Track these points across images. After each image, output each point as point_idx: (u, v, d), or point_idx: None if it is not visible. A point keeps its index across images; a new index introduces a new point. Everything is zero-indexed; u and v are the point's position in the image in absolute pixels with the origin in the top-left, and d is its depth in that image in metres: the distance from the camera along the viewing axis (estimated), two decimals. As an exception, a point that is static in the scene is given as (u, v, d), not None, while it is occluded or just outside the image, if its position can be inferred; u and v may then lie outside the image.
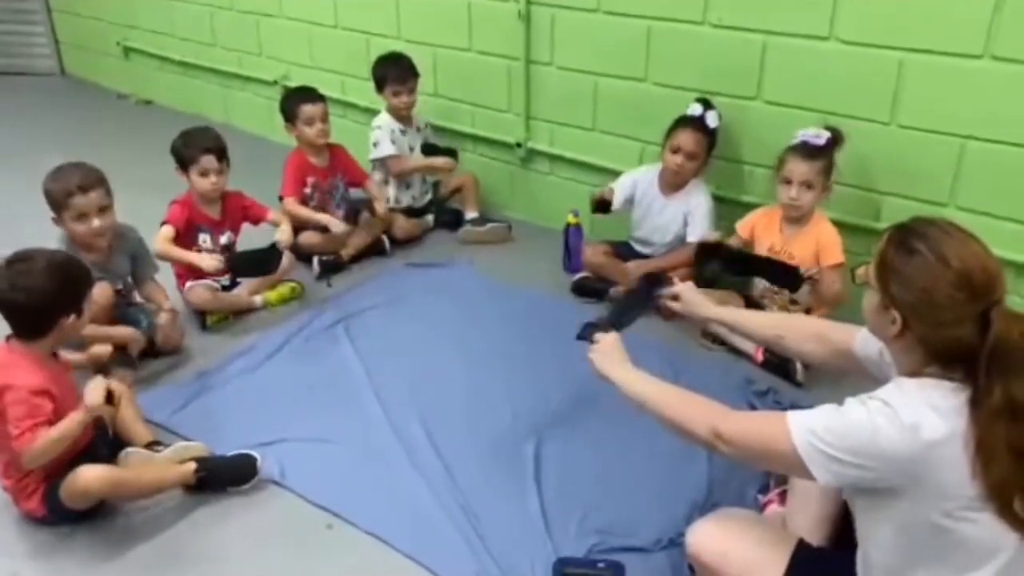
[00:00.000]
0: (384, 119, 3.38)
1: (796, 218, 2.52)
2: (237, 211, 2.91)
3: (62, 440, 1.81)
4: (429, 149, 3.43)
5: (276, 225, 2.93)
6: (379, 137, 3.36)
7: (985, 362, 1.23)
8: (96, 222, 2.36)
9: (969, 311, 1.26)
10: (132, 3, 5.05)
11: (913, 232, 1.34)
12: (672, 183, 2.86)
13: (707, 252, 2.56)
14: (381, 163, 3.40)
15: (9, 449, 1.84)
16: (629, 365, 1.73)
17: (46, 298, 1.85)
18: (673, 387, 1.63)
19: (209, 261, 2.68)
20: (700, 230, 2.79)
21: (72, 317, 1.90)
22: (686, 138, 2.76)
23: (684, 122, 2.79)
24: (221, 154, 2.78)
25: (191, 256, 2.71)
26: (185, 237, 2.78)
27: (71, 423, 1.81)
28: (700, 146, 2.77)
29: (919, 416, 1.24)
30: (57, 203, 2.34)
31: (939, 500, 1.25)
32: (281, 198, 3.20)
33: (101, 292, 2.30)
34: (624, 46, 3.00)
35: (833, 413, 1.33)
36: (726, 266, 2.53)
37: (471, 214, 3.50)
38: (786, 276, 2.43)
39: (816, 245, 2.51)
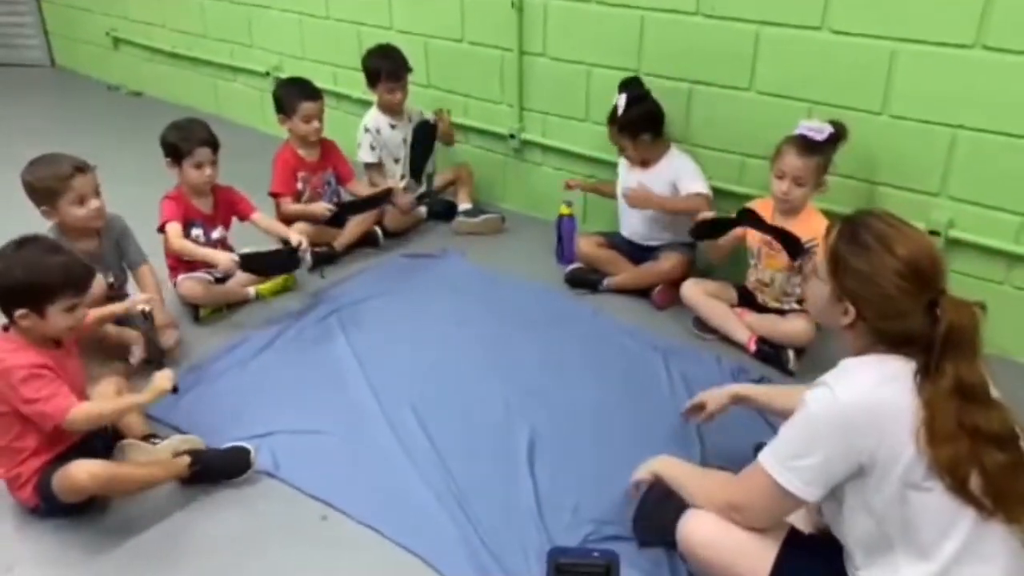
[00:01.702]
0: (373, 116, 3.37)
1: (786, 210, 2.52)
2: (227, 206, 2.90)
3: (111, 416, 1.88)
4: (420, 133, 3.43)
5: (270, 232, 2.92)
6: (360, 140, 3.36)
7: (939, 347, 1.31)
8: (95, 202, 2.38)
9: (919, 300, 1.35)
10: (122, -7, 5.02)
11: (861, 225, 1.42)
12: (644, 166, 2.88)
13: (705, 229, 2.58)
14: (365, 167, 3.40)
15: (9, 435, 1.85)
16: (663, 459, 1.81)
17: (2, 288, 1.84)
18: (696, 471, 1.78)
19: (225, 259, 2.67)
20: (695, 184, 2.77)
21: (25, 312, 1.83)
22: (613, 138, 2.83)
23: (612, 117, 2.81)
24: (215, 146, 2.77)
25: (208, 252, 2.70)
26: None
27: (127, 403, 1.92)
28: (626, 137, 2.79)
29: (858, 387, 1.35)
30: (52, 191, 2.32)
31: (896, 469, 1.31)
32: (272, 195, 3.18)
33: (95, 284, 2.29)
34: (617, 36, 2.99)
35: (787, 430, 1.43)
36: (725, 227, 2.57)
37: (464, 205, 3.50)
38: (788, 243, 2.41)
39: (809, 235, 2.50)
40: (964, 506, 1.30)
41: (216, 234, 2.85)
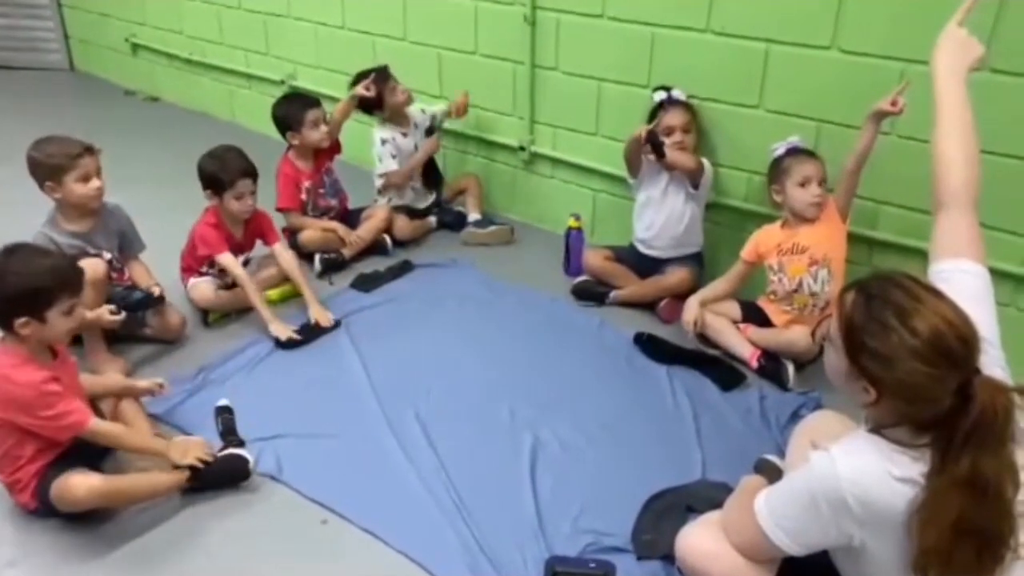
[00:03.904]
0: (382, 131, 3.40)
1: (815, 214, 2.50)
2: (256, 231, 2.92)
3: (126, 447, 1.96)
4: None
5: (282, 265, 2.92)
6: (379, 153, 3.40)
7: (964, 433, 1.20)
8: (97, 182, 2.46)
9: (948, 385, 1.22)
10: (141, 0, 5.08)
11: (880, 300, 1.29)
12: (685, 147, 2.86)
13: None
14: (387, 177, 3.43)
15: (9, 441, 1.87)
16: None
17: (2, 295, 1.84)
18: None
19: (284, 332, 2.69)
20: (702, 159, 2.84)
21: (26, 320, 1.82)
22: (674, 116, 2.81)
23: (660, 107, 2.84)
24: (255, 176, 2.78)
25: (266, 315, 2.72)
26: (202, 259, 2.82)
27: (148, 446, 2.01)
28: (688, 117, 2.82)
29: (862, 479, 1.27)
30: (60, 167, 2.40)
31: (885, 557, 1.29)
32: (279, 210, 3.22)
33: (94, 266, 2.35)
34: (628, 52, 3.02)
35: (786, 484, 1.42)
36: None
37: (474, 216, 3.52)
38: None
39: (827, 224, 2.50)
40: None
41: (242, 259, 2.87)
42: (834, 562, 1.47)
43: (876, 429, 1.34)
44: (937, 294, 1.28)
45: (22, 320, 1.82)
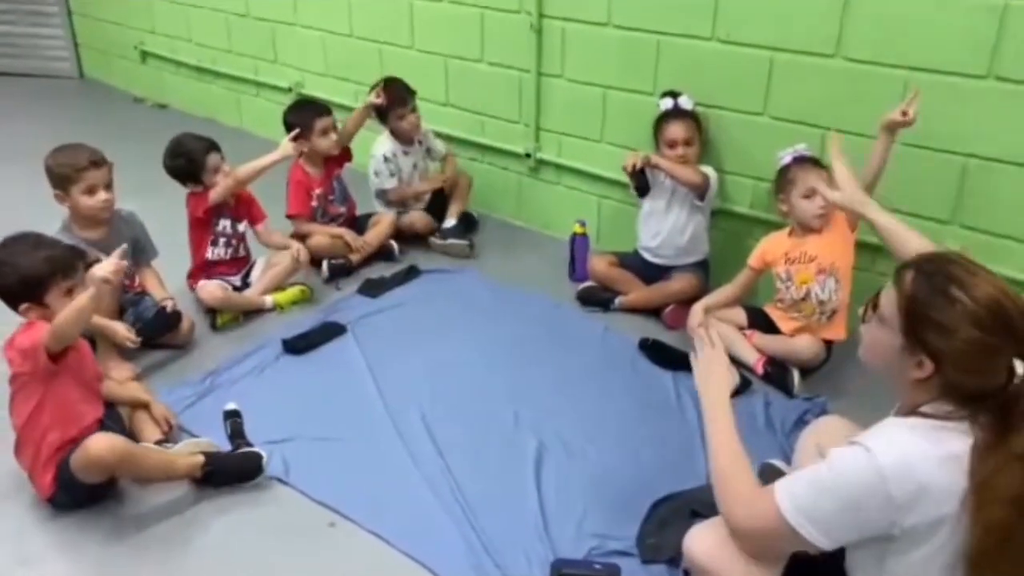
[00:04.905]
0: (385, 145, 3.39)
1: (822, 224, 2.51)
2: (244, 205, 2.99)
3: (81, 310, 1.87)
4: None
5: (270, 244, 3.06)
6: (379, 169, 3.39)
7: (1020, 404, 1.22)
8: (104, 195, 2.48)
9: (1005, 356, 1.25)
10: (150, 8, 5.12)
11: (940, 273, 1.31)
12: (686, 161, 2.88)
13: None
14: (383, 191, 3.44)
15: (24, 426, 1.93)
16: (726, 395, 1.63)
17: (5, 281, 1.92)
18: (734, 447, 1.54)
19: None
20: (707, 168, 2.86)
21: (27, 305, 1.93)
22: (676, 128, 2.81)
23: (665, 117, 2.85)
24: (218, 148, 2.87)
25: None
26: (206, 224, 2.88)
27: (82, 296, 1.91)
28: (691, 130, 2.82)
29: (903, 462, 1.25)
30: (67, 177, 2.44)
31: (930, 542, 1.27)
32: (289, 217, 3.25)
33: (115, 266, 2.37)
34: (633, 60, 3.04)
35: (814, 479, 1.34)
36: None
37: (450, 221, 3.47)
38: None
39: (835, 233, 2.51)
40: None
41: (242, 227, 2.97)
42: (849, 566, 1.45)
43: (911, 410, 1.34)
44: (986, 270, 1.31)
45: (24, 306, 1.94)
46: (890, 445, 1.28)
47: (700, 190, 2.83)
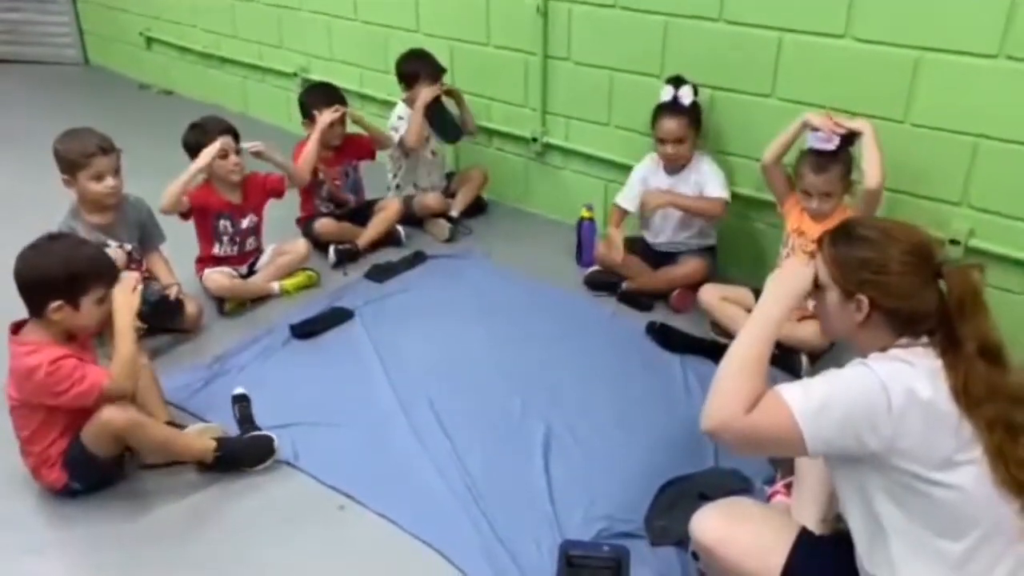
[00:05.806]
0: (405, 110, 3.40)
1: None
2: (258, 191, 2.96)
3: (129, 352, 1.91)
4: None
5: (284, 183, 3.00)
6: (399, 126, 3.39)
7: (954, 312, 1.34)
8: (111, 181, 2.49)
9: (926, 274, 1.39)
10: (155, -6, 5.13)
11: (854, 224, 1.49)
12: (673, 167, 2.89)
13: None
14: (399, 145, 3.42)
15: (30, 437, 1.92)
16: (792, 291, 1.52)
17: (39, 279, 1.86)
18: (759, 348, 1.46)
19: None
20: (717, 190, 2.81)
21: (60, 304, 1.85)
22: (668, 126, 2.79)
23: (660, 111, 2.82)
24: (237, 136, 2.85)
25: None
26: (202, 225, 2.86)
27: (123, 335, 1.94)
28: (683, 128, 2.79)
29: (895, 375, 1.31)
30: (75, 163, 2.44)
31: (916, 462, 1.29)
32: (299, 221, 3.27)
33: (114, 254, 2.39)
34: (640, 42, 3.02)
35: (823, 384, 1.36)
36: None
37: (454, 211, 3.50)
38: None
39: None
40: (984, 504, 1.28)
41: (246, 223, 2.93)
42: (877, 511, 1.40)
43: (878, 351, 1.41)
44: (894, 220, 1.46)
45: (56, 304, 1.85)
46: (881, 362, 1.35)
47: (716, 219, 2.84)
